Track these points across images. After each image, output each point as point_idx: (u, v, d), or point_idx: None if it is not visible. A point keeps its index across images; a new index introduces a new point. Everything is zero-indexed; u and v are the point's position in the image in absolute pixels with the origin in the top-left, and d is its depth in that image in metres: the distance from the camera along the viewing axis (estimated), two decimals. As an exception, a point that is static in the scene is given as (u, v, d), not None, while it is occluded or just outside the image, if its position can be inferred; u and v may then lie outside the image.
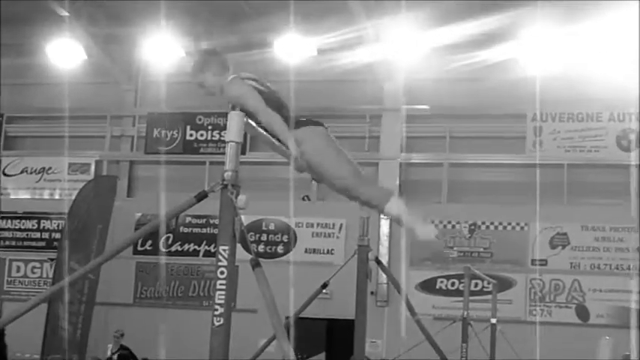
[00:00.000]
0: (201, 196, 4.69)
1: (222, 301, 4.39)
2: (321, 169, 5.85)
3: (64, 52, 21.67)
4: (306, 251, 20.15)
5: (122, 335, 18.98)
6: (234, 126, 4.55)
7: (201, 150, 21.62)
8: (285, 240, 20.39)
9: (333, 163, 5.81)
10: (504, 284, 18.76)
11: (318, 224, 20.25)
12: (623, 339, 17.29)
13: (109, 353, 18.94)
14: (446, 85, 20.45)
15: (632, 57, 18.76)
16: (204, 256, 20.86)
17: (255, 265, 4.49)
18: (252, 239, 20.25)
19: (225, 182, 4.47)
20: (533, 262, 19.26)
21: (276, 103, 5.87)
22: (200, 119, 21.69)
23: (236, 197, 4.46)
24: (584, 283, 19.10)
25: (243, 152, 21.49)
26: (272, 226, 20.50)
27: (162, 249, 20.76)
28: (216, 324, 4.38)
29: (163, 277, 20.70)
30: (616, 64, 19.37)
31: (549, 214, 19.17)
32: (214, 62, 6.05)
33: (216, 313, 4.38)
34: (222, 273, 4.44)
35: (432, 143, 20.84)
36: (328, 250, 20.03)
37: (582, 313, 19.03)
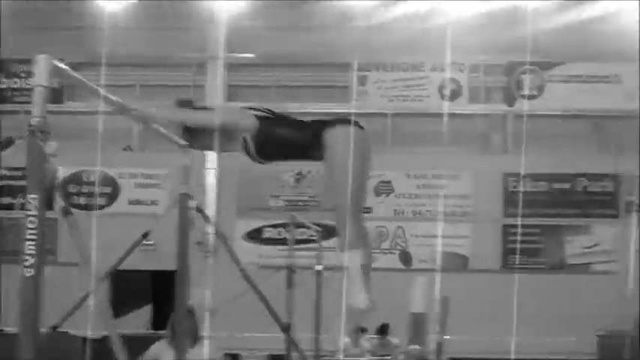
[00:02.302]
0: (6, 143, 4.48)
1: (32, 252, 4.22)
2: (343, 178, 5.50)
3: None
4: (129, 202, 19.85)
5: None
6: (41, 70, 4.35)
7: (16, 99, 20.83)
8: (108, 191, 20.02)
9: (357, 184, 5.53)
10: (330, 232, 18.85)
11: (141, 175, 19.97)
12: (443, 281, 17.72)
13: None
14: (272, 34, 20.38)
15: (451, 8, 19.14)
16: (21, 209, 20.27)
17: (66, 213, 4.33)
18: (73, 191, 19.87)
19: (31, 128, 4.27)
20: (358, 210, 19.48)
21: (285, 121, 5.78)
22: (13, 66, 20.89)
23: (45, 144, 4.27)
24: (408, 230, 19.48)
25: (60, 101, 20.89)
26: (93, 178, 20.08)
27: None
28: (27, 275, 4.21)
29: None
30: (435, 13, 19.66)
31: (373, 162, 19.37)
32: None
33: (26, 264, 4.21)
34: (31, 223, 4.27)
35: (258, 92, 20.76)
36: (152, 201, 19.80)
37: (405, 258, 19.42)
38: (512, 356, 17.79)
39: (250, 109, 5.86)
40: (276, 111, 5.95)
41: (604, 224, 19.58)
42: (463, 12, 19.48)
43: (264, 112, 5.81)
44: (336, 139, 5.57)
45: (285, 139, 5.73)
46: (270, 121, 5.76)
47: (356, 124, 5.70)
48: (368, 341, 17.13)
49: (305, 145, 5.71)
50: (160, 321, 18.93)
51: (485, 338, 18.93)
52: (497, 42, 20.20)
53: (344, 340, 17.03)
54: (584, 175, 19.73)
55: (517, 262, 19.44)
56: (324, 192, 5.22)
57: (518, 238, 19.58)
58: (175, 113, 5.86)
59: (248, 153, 5.82)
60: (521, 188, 19.63)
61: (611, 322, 17.95)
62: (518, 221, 19.51)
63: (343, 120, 5.74)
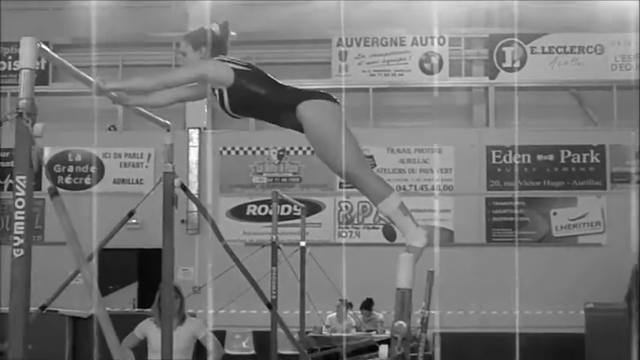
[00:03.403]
0: (-6, 125, 4.52)
1: (21, 232, 4.27)
2: (328, 151, 5.81)
3: None
4: (114, 182, 19.87)
5: None
6: (28, 52, 4.38)
7: (2, 81, 20.82)
8: (93, 171, 20.05)
9: (345, 147, 5.75)
10: (313, 208, 19.03)
11: (125, 154, 19.97)
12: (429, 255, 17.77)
13: None
14: (252, 11, 20.33)
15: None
16: (9, 190, 20.26)
17: (54, 194, 4.37)
18: (58, 171, 19.89)
19: (19, 110, 4.31)
20: (341, 185, 19.56)
21: (263, 80, 5.85)
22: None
23: (32, 125, 4.32)
24: (391, 205, 19.50)
25: (45, 83, 20.83)
26: (78, 158, 20.09)
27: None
28: (17, 255, 4.27)
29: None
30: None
31: (356, 138, 19.41)
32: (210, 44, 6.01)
33: (15, 244, 4.26)
34: (20, 204, 4.34)
35: (238, 69, 20.67)
36: (137, 180, 19.80)
37: (389, 233, 19.44)
38: (505, 330, 17.92)
39: (230, 61, 5.89)
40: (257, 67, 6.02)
41: (590, 196, 19.59)
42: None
43: (243, 65, 5.85)
44: (312, 113, 5.66)
45: (260, 98, 5.77)
46: (248, 76, 5.79)
47: (331, 97, 5.78)
48: (353, 317, 17.22)
49: (279, 109, 5.77)
50: (145, 299, 19.02)
51: (472, 313, 19.04)
52: (478, 14, 20.30)
53: (329, 316, 17.14)
54: (568, 146, 19.76)
55: (502, 236, 19.55)
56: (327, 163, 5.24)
57: (503, 211, 19.69)
58: (151, 79, 5.88)
59: (222, 105, 5.87)
60: (505, 161, 19.72)
61: (599, 295, 17.96)
62: (502, 194, 19.63)
63: (318, 93, 5.81)
